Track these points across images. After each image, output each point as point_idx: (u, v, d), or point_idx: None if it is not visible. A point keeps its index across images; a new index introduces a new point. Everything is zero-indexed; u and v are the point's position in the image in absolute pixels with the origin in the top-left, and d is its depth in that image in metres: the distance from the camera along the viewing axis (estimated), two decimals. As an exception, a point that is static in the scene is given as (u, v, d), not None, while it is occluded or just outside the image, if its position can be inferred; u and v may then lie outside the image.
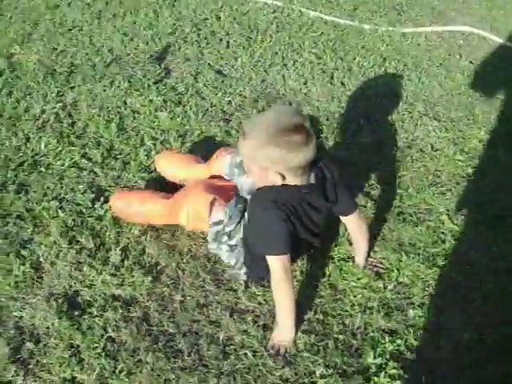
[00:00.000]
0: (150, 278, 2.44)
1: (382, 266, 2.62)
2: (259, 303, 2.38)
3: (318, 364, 2.17)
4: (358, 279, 2.52)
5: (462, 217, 2.89)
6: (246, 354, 2.18)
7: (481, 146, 3.43)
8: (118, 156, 3.05)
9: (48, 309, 2.26)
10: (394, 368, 2.17)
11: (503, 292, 2.52)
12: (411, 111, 3.66)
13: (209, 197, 2.51)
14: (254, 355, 2.18)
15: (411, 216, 2.87)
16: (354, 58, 4.20)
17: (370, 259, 2.63)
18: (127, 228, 2.63)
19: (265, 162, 2.15)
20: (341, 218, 2.54)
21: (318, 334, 2.29)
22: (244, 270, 2.47)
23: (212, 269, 2.52)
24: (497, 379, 2.18)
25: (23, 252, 2.47)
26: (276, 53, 4.13)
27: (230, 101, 3.55)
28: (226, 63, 3.95)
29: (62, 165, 2.95)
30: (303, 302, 2.39)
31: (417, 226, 2.81)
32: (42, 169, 2.93)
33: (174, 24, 4.37)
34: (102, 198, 2.76)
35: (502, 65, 4.29)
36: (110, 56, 3.91)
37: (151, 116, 3.34)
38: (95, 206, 2.73)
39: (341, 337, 2.29)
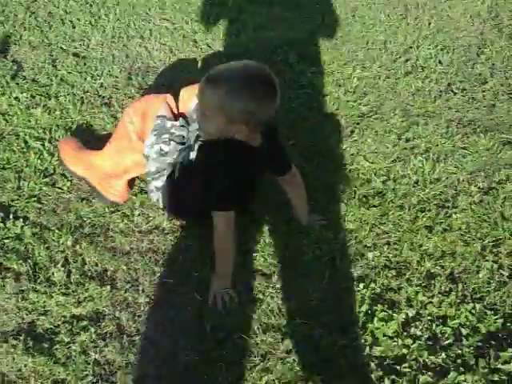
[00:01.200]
0: (108, 288, 2.22)
1: (324, 218, 2.60)
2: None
3: (313, 327, 2.13)
4: (309, 236, 2.49)
5: (376, 154, 2.96)
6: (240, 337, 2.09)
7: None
8: (7, 166, 2.71)
9: (11, 350, 2.00)
10: (383, 310, 2.19)
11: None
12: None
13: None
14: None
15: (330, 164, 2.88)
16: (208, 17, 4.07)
17: (311, 216, 2.60)
18: (55, 241, 2.37)
19: (235, 113, 2.01)
20: (278, 178, 2.48)
21: (297, 297, 2.25)
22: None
23: (164, 261, 2.37)
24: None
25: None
26: (128, 25, 3.88)
27: (101, 83, 3.30)
28: (80, 44, 3.64)
29: None
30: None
31: (339, 173, 2.82)
32: None
33: (3, 11, 3.91)
34: (11, 215, 2.45)
35: None
36: None
37: (24, 115, 3.00)
38: (7, 224, 2.42)
39: (319, 295, 2.26)
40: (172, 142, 2.38)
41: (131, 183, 2.62)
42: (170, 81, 3.32)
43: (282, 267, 2.37)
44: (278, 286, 2.29)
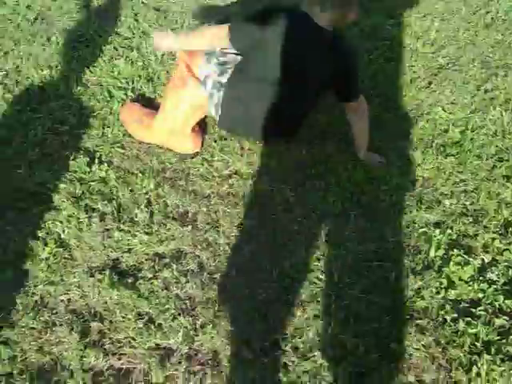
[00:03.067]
0: (189, 228, 2.26)
1: (382, 161, 2.61)
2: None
3: (390, 269, 2.12)
4: (387, 182, 2.47)
5: (454, 105, 2.89)
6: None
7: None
8: (92, 114, 2.78)
9: (98, 284, 2.05)
10: (459, 255, 2.16)
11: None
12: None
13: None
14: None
15: (408, 113, 2.83)
16: None
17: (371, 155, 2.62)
18: (138, 184, 2.43)
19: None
20: (345, 105, 2.58)
21: (374, 241, 2.23)
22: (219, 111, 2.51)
23: (243, 204, 2.39)
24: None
25: (40, 233, 2.20)
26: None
27: (181, 35, 3.31)
28: (162, -1, 3.68)
29: (35, 135, 2.64)
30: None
31: (416, 122, 2.77)
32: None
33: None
34: (96, 160, 2.51)
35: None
36: (31, 13, 3.52)
37: (108, 66, 3.06)
38: (93, 168, 2.49)
39: (396, 239, 2.24)
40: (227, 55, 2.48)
41: (201, 130, 2.66)
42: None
43: (360, 212, 2.36)
44: (356, 228, 2.28)
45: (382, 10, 3.56)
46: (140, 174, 2.50)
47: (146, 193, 2.43)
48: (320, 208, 2.37)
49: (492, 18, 3.53)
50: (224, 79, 2.46)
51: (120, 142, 2.67)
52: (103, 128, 2.72)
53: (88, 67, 3.07)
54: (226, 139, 2.65)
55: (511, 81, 3.03)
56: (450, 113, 2.83)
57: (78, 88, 2.92)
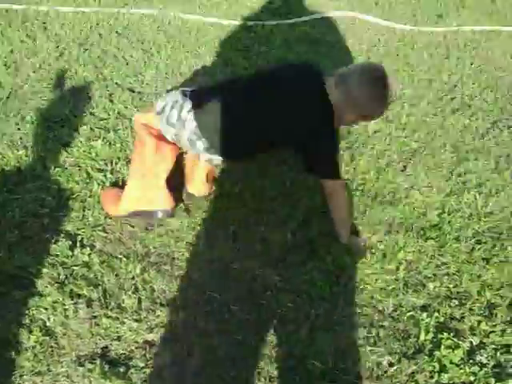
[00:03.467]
0: (181, 314, 2.29)
1: (365, 245, 2.71)
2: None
3: (382, 354, 2.18)
4: (371, 266, 2.56)
5: (429, 188, 3.04)
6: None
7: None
8: (72, 196, 2.81)
9: (88, 374, 2.05)
10: (448, 339, 2.24)
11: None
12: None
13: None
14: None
15: (386, 197, 2.95)
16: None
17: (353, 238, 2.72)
18: (123, 269, 2.45)
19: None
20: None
21: (365, 326, 2.30)
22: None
23: (230, 289, 2.46)
24: None
25: (24, 320, 2.19)
26: (181, 62, 4.02)
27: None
28: (135, 80, 3.78)
29: (13, 217, 2.67)
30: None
31: (396, 206, 2.90)
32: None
33: (58, 47, 4.07)
34: (78, 243, 2.54)
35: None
36: (3, 92, 3.56)
37: (85, 147, 3.11)
38: (75, 252, 2.51)
39: (386, 323, 2.31)
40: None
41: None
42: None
43: (346, 297, 2.43)
44: (345, 313, 2.35)
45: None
46: (124, 259, 2.53)
47: (132, 278, 2.45)
48: (308, 292, 2.43)
49: (458, 104, 3.74)
50: (184, 112, 2.51)
51: (101, 225, 2.69)
52: (83, 210, 2.75)
53: (65, 148, 3.11)
54: (210, 223, 2.70)
55: (482, 165, 3.19)
56: (427, 196, 2.97)
57: (56, 169, 2.95)
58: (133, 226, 2.71)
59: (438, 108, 3.68)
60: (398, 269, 2.59)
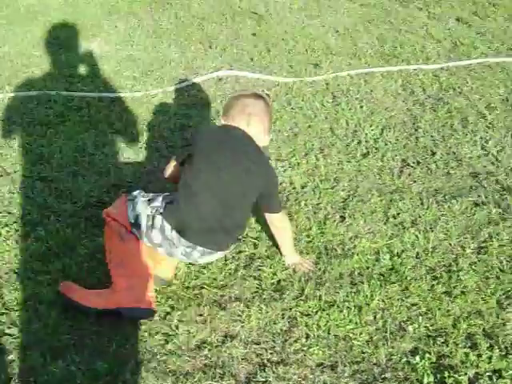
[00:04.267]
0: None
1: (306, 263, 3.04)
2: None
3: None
4: (351, 320, 2.71)
5: (372, 234, 3.28)
6: None
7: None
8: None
9: None
10: (450, 376, 2.45)
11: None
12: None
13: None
14: None
15: (336, 250, 3.17)
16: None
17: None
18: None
19: None
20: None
21: (370, 382, 2.42)
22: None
23: (225, 375, 2.49)
24: None
25: None
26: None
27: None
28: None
29: None
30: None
31: (349, 257, 3.09)
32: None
33: None
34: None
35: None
36: None
37: None
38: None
39: (387, 375, 2.47)
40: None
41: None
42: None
43: (342, 359, 2.55)
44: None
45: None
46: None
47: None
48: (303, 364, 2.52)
49: (366, 148, 4.03)
50: (167, 231, 2.72)
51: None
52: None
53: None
54: (182, 308, 2.72)
55: (410, 203, 3.47)
56: (373, 242, 3.17)
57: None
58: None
59: (348, 155, 3.94)
60: (375, 318, 2.75)
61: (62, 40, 5.51)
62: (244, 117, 2.89)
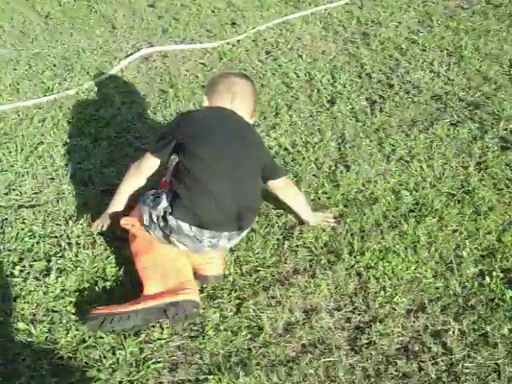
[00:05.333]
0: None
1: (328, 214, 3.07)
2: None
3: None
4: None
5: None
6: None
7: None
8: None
9: None
10: None
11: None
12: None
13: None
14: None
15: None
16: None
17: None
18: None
19: None
20: None
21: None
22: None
23: None
24: None
25: None
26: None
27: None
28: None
29: None
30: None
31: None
32: None
33: None
34: None
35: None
36: None
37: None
38: None
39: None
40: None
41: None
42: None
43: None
44: None
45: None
46: None
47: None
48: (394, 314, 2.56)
49: (328, 95, 4.04)
50: (186, 228, 2.58)
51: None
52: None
53: None
54: (251, 295, 2.67)
55: (397, 137, 3.56)
56: (387, 182, 3.23)
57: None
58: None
59: (316, 105, 3.97)
60: (429, 252, 2.82)
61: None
62: (230, 96, 2.82)
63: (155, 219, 2.62)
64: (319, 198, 3.18)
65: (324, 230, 2.97)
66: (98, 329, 2.47)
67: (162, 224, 2.60)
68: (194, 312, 2.50)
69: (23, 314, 2.61)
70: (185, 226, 2.57)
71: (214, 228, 2.60)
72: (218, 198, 2.60)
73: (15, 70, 4.65)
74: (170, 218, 2.57)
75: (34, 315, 2.61)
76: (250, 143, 2.77)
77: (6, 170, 3.53)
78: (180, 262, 2.65)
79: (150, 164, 2.82)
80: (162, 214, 2.60)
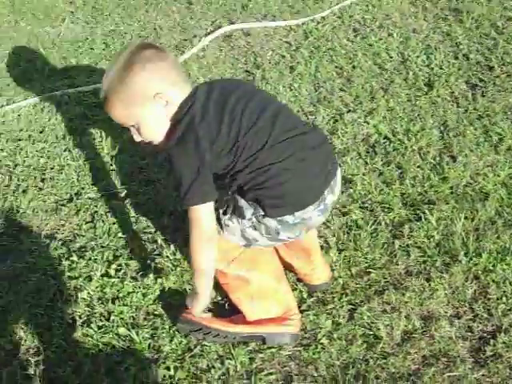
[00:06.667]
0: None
1: None
2: None
3: None
4: None
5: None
6: None
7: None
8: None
9: None
10: None
11: None
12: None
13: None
14: None
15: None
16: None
17: None
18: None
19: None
20: None
21: None
22: None
23: None
24: None
25: None
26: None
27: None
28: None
29: None
30: None
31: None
32: None
33: None
34: None
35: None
36: None
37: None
38: None
39: None
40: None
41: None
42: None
43: None
44: None
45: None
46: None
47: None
48: None
49: (425, 77, 3.84)
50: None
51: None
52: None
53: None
54: (364, 301, 2.53)
55: (503, 125, 3.36)
56: (497, 175, 3.02)
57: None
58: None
59: (413, 88, 3.76)
60: None
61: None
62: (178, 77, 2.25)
63: (252, 233, 2.24)
64: (426, 192, 2.99)
65: (436, 228, 2.78)
66: (187, 333, 2.39)
67: (264, 230, 2.22)
68: (293, 343, 2.38)
69: (122, 318, 2.53)
70: (289, 218, 2.19)
71: (314, 197, 2.20)
72: (302, 163, 2.17)
73: (92, 49, 4.52)
74: (266, 221, 2.20)
75: (134, 319, 2.53)
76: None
77: (93, 159, 3.42)
78: (282, 289, 2.42)
79: (210, 217, 2.17)
80: (255, 221, 2.20)
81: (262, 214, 2.16)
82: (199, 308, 2.35)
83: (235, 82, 2.49)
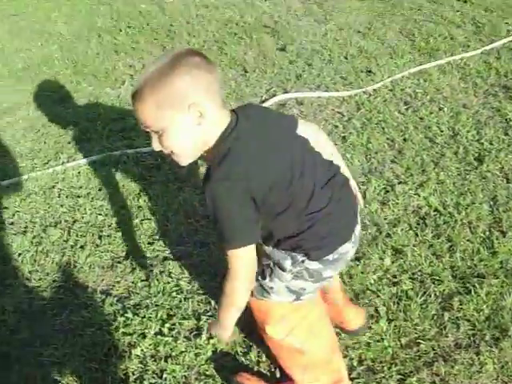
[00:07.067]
0: None
1: None
2: None
3: None
4: None
5: None
6: None
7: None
8: None
9: None
10: None
11: None
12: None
13: None
14: None
15: None
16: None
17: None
18: None
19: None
20: None
21: None
22: None
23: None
24: None
25: None
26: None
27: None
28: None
29: None
30: None
31: None
32: None
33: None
34: None
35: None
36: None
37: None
38: None
39: None
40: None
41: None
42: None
43: None
44: None
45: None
46: None
47: None
48: None
49: (475, 152, 3.90)
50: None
51: None
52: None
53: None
54: (409, 374, 2.58)
55: None
56: None
57: None
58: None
59: (463, 163, 3.81)
60: None
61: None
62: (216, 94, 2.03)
63: (297, 283, 2.17)
64: (476, 266, 3.03)
65: (485, 302, 2.82)
66: None
67: (307, 276, 2.14)
68: None
69: (175, 377, 2.62)
70: (329, 256, 2.13)
71: (350, 231, 2.19)
72: (336, 206, 2.12)
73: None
74: (307, 264, 2.12)
75: (186, 378, 2.61)
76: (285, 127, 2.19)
77: (149, 219, 3.55)
78: (335, 359, 2.43)
79: (252, 259, 2.02)
80: (295, 270, 2.13)
81: (302, 259, 2.10)
82: (225, 337, 2.23)
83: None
